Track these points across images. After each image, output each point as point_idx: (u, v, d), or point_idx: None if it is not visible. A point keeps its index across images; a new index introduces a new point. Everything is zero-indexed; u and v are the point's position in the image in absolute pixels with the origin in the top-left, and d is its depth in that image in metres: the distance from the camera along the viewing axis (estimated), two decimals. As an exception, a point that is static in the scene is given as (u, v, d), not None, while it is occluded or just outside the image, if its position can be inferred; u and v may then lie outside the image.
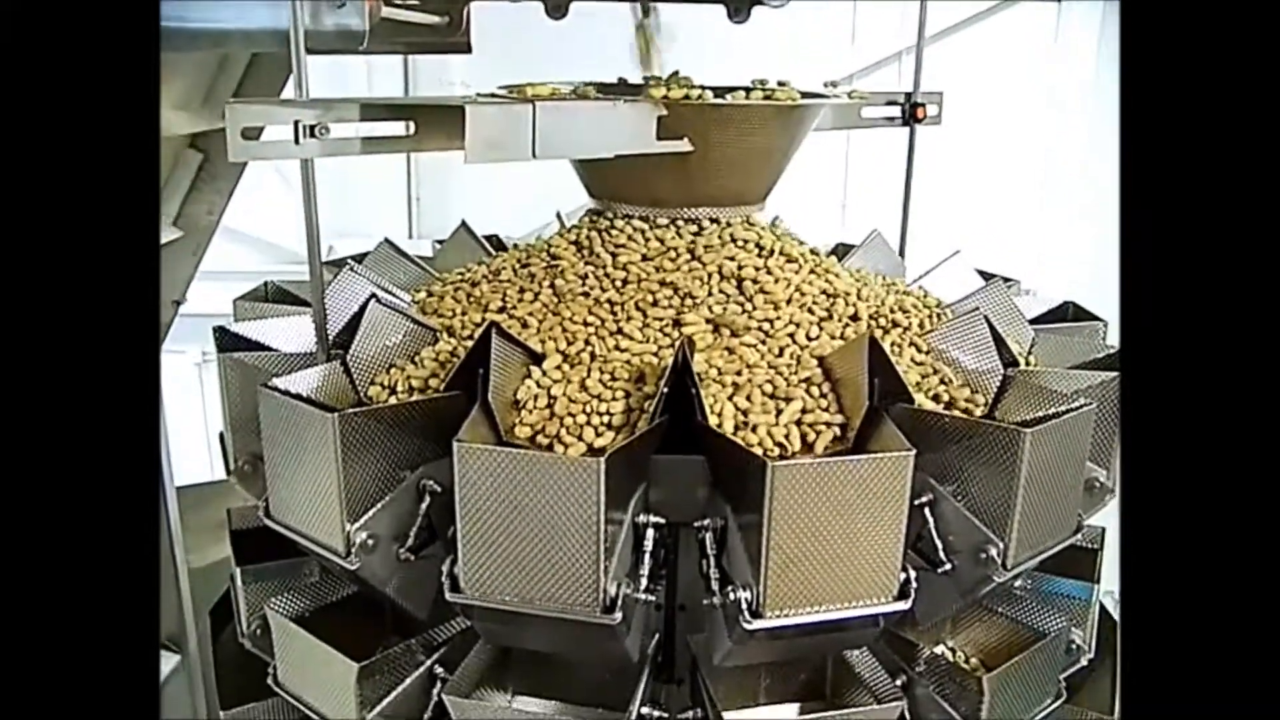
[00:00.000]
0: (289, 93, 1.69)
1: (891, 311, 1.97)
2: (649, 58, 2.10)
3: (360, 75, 5.25)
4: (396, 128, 1.64)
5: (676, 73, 2.04)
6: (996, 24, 5.43)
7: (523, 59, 2.74)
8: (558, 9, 2.23)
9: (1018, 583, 2.03)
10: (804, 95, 2.04)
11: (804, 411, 1.67)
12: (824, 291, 1.96)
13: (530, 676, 1.85)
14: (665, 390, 1.60)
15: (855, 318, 1.93)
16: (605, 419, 1.65)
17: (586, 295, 1.91)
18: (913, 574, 1.57)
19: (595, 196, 2.12)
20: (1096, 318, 2.25)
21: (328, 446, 1.57)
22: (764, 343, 1.81)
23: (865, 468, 1.47)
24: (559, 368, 1.73)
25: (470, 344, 1.73)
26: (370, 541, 1.64)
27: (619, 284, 1.92)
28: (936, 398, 1.79)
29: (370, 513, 1.64)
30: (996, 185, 5.45)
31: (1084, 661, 2.03)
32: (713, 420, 1.62)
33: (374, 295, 1.90)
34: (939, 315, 2.04)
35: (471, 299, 2.01)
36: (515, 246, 2.31)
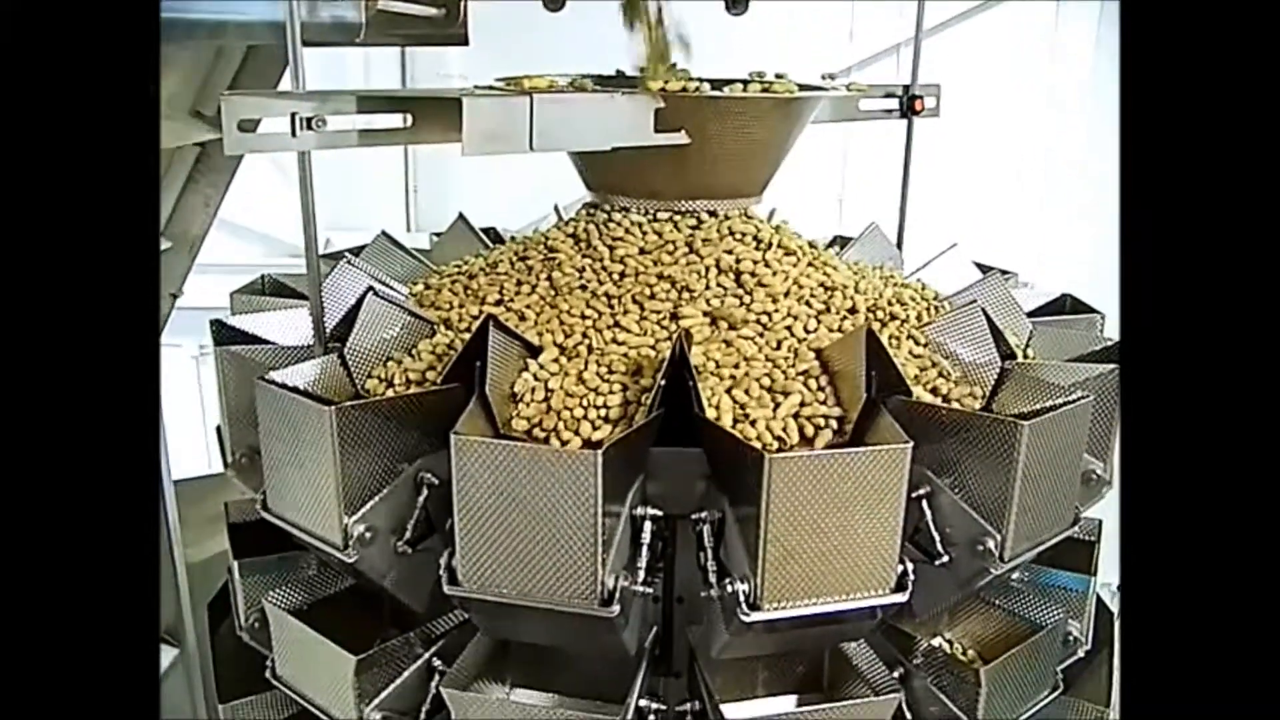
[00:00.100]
0: (285, 85, 1.68)
1: (889, 304, 1.97)
2: (656, 69, 2.09)
3: (357, 68, 5.25)
4: (394, 120, 1.64)
5: (674, 65, 2.04)
6: (995, 17, 5.42)
7: (520, 51, 2.74)
8: (555, 1, 2.23)
9: (1015, 575, 2.03)
10: (802, 88, 2.03)
11: (802, 405, 1.67)
12: (822, 284, 1.96)
13: (528, 669, 1.85)
14: (662, 383, 1.60)
15: (853, 310, 1.93)
16: (602, 412, 1.65)
17: (584, 288, 1.91)
18: (910, 566, 1.57)
19: (593, 189, 2.12)
20: (1094, 310, 2.25)
21: (325, 440, 1.57)
22: (761, 335, 1.81)
23: (863, 460, 1.47)
24: (556, 360, 1.73)
25: (467, 337, 1.73)
26: (368, 534, 1.64)
27: (616, 277, 1.92)
28: (935, 391, 1.79)
29: (368, 506, 1.64)
30: (993, 182, 5.45)
31: (1081, 653, 2.04)
32: (710, 413, 1.62)
33: (371, 288, 1.90)
34: (937, 308, 2.04)
35: (469, 292, 2.01)
36: (513, 239, 2.31)
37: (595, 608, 1.50)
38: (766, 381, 1.70)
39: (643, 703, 1.70)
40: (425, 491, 1.67)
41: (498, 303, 1.93)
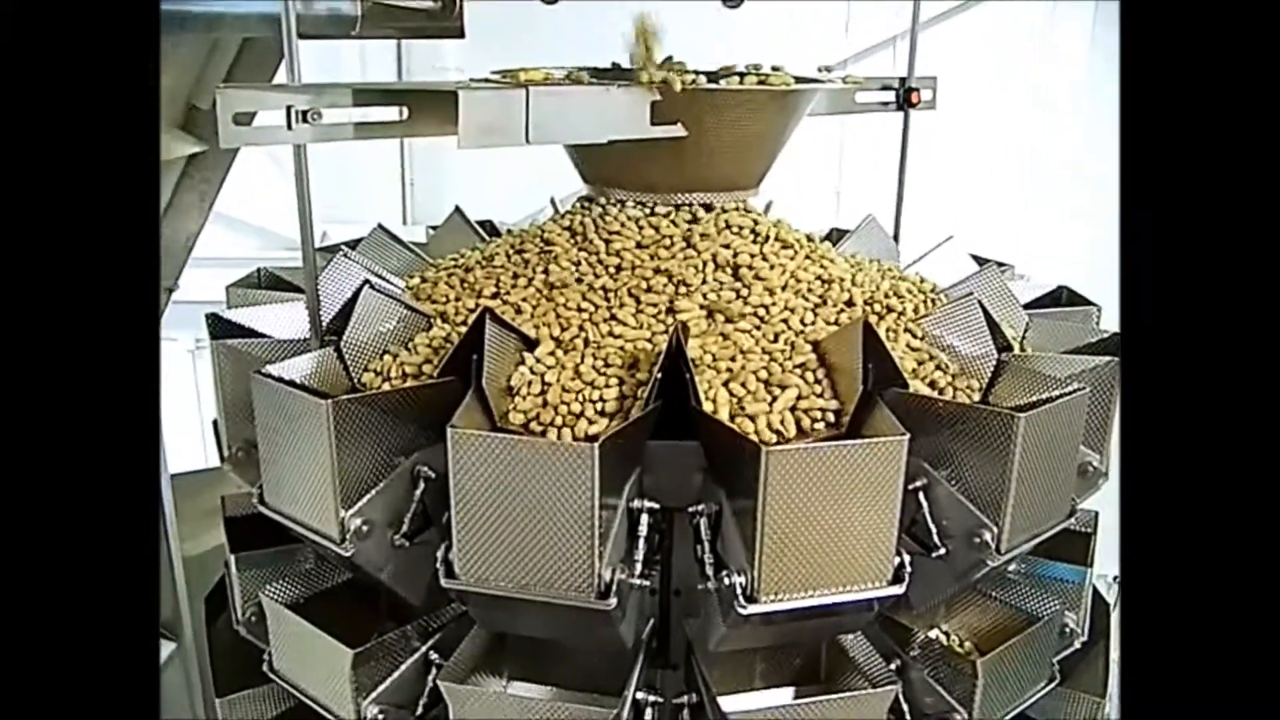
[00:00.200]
0: (281, 78, 1.68)
1: (886, 297, 1.97)
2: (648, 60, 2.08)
3: (353, 61, 5.24)
4: (390, 113, 1.64)
5: (670, 58, 2.04)
6: (988, 11, 5.42)
7: (516, 44, 2.73)
8: (551, -6, 2.22)
9: (1011, 567, 2.03)
10: (798, 80, 2.03)
11: (799, 397, 1.67)
12: (819, 277, 1.96)
13: (525, 662, 1.85)
14: (659, 375, 1.60)
15: (850, 303, 1.93)
16: (599, 405, 1.65)
17: (580, 281, 1.91)
18: (907, 558, 1.57)
19: (589, 182, 2.12)
20: (1090, 302, 2.25)
21: (322, 433, 1.57)
22: (759, 328, 1.81)
23: (859, 453, 1.47)
24: (552, 354, 1.73)
25: (464, 330, 1.72)
26: (365, 528, 1.64)
27: (613, 270, 1.92)
28: (933, 384, 1.79)
29: (364, 499, 1.64)
30: (990, 179, 5.45)
31: (1077, 645, 2.04)
32: (707, 406, 1.62)
33: (368, 281, 1.90)
34: (934, 300, 2.04)
35: (465, 285, 2.01)
36: (509, 232, 2.31)
37: (592, 600, 1.50)
38: (763, 374, 1.70)
39: (640, 695, 1.71)
40: (422, 485, 1.67)
41: (494, 296, 1.93)
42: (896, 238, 2.51)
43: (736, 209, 2.04)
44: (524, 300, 1.88)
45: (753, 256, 1.94)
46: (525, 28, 3.17)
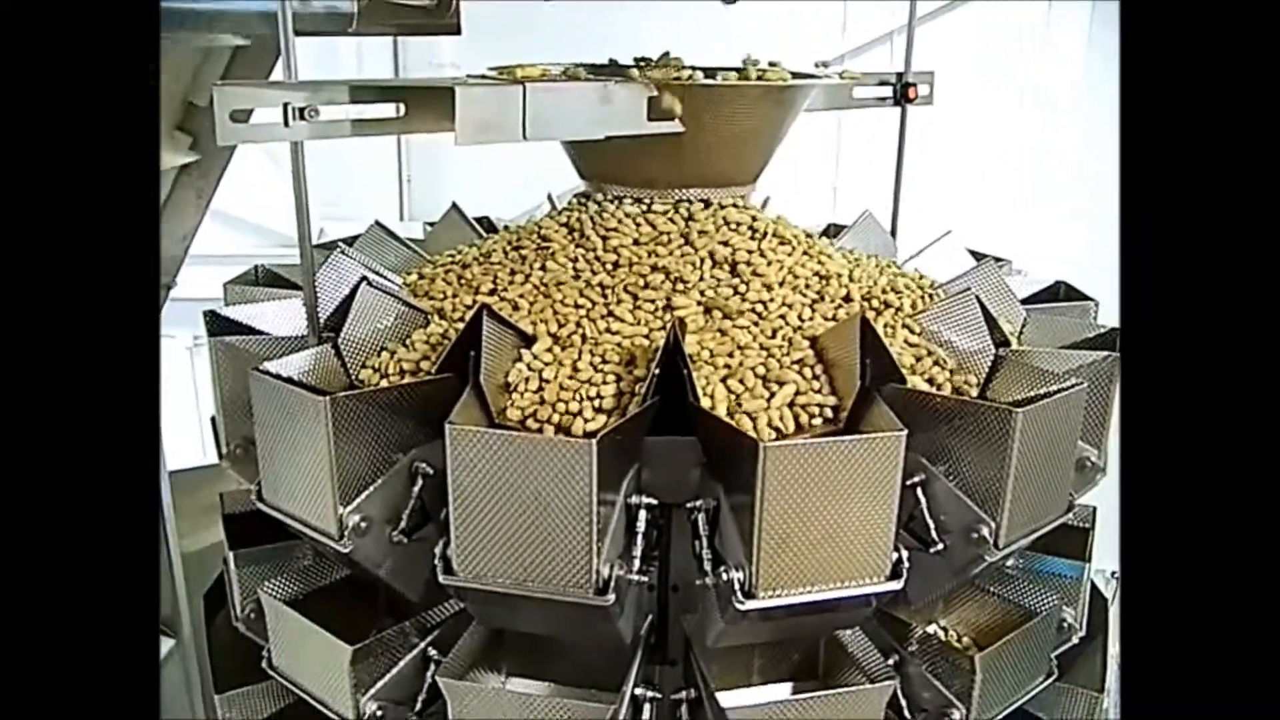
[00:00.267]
0: (278, 75, 1.68)
1: (884, 292, 1.97)
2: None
3: (349, 57, 5.23)
4: (386, 110, 1.64)
5: (667, 53, 2.03)
6: (988, 10, 5.41)
7: (513, 40, 2.73)
8: (548, -10, 2.22)
9: (1009, 562, 2.04)
10: (795, 76, 2.03)
11: (797, 393, 1.67)
12: (816, 273, 1.96)
13: (524, 658, 1.85)
14: (657, 371, 1.60)
15: (848, 299, 1.93)
16: (596, 402, 1.65)
17: (577, 278, 1.91)
18: (905, 554, 1.57)
19: (586, 178, 2.12)
20: (1087, 297, 2.26)
21: (320, 430, 1.57)
22: (756, 325, 1.81)
23: (857, 448, 1.47)
24: (550, 350, 1.73)
25: (461, 326, 1.73)
26: (363, 524, 1.64)
27: (610, 267, 1.92)
28: (931, 380, 1.79)
29: (363, 496, 1.64)
30: (986, 178, 5.45)
31: (1075, 640, 2.04)
32: (705, 402, 1.62)
33: (365, 278, 1.90)
34: (931, 295, 2.04)
35: (463, 281, 2.01)
36: (506, 228, 2.31)
37: (590, 596, 1.50)
38: (761, 370, 1.70)
39: (638, 691, 1.71)
40: (420, 481, 1.67)
41: (492, 292, 1.93)
42: (894, 233, 2.51)
43: (734, 205, 2.04)
44: (521, 297, 1.88)
45: (750, 253, 1.94)
46: (522, 24, 3.17)
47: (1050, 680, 1.96)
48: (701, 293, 1.86)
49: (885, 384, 1.65)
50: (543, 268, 1.95)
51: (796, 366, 1.72)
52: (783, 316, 1.83)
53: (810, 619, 1.63)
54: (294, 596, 1.99)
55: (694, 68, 1.97)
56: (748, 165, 2.07)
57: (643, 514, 1.61)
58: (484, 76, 1.90)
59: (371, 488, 1.65)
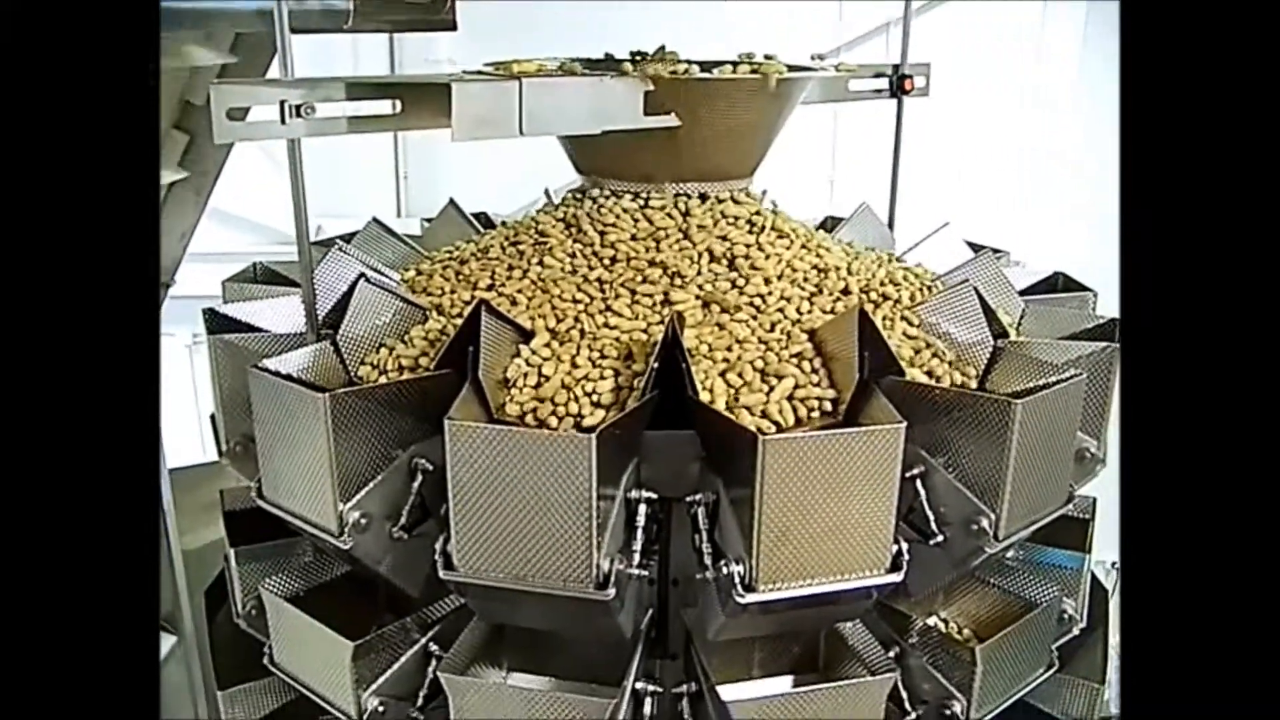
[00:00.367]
0: (274, 73, 1.68)
1: (882, 285, 1.97)
2: None
3: (345, 54, 5.23)
4: (383, 106, 1.64)
5: (663, 47, 2.03)
6: (986, 10, 5.40)
7: (509, 36, 2.73)
8: (543, -15, 2.22)
9: (1009, 553, 2.04)
10: (791, 69, 2.03)
11: (796, 387, 1.67)
12: (815, 266, 1.96)
13: (525, 653, 1.85)
14: (656, 365, 1.60)
15: (846, 292, 1.93)
16: (595, 397, 1.65)
17: (575, 273, 1.91)
18: (905, 546, 1.57)
19: (583, 172, 2.12)
20: (1085, 288, 2.26)
21: (319, 427, 1.57)
22: (755, 318, 1.81)
23: (856, 441, 1.47)
24: (548, 345, 1.73)
25: (460, 322, 1.73)
26: (363, 521, 1.64)
27: (608, 262, 1.92)
28: (930, 373, 1.79)
29: (362, 492, 1.64)
30: (981, 176, 5.45)
31: (1075, 631, 2.05)
32: (704, 396, 1.62)
33: (363, 275, 1.90)
34: (929, 287, 2.04)
35: (460, 277, 2.01)
36: (504, 224, 2.31)
37: (591, 591, 1.50)
38: (760, 364, 1.71)
39: (639, 685, 1.71)
40: (420, 477, 1.67)
41: (489, 288, 1.93)
42: (891, 225, 2.51)
43: (732, 198, 2.04)
44: (519, 292, 1.88)
45: (748, 247, 1.94)
46: (518, 19, 3.16)
47: (1051, 671, 1.96)
48: (700, 287, 1.86)
49: (884, 376, 1.65)
50: (540, 263, 1.95)
51: (795, 360, 1.72)
52: (781, 310, 1.83)
53: (811, 612, 1.63)
54: (295, 593, 1.99)
55: (690, 61, 1.97)
56: (745, 158, 2.07)
57: (642, 508, 1.61)
58: (480, 72, 1.90)
59: (371, 484, 1.65)
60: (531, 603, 1.57)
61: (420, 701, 1.82)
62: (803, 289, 1.90)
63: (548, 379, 1.67)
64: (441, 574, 1.56)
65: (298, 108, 1.54)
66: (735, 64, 2.02)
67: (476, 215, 2.50)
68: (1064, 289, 2.29)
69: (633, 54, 2.07)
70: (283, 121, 1.54)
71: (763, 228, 1.99)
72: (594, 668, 1.78)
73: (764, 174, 2.14)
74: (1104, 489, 1.90)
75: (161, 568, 2.66)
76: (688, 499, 1.63)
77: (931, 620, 2.04)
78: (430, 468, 1.66)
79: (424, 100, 1.63)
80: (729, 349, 1.73)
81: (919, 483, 1.66)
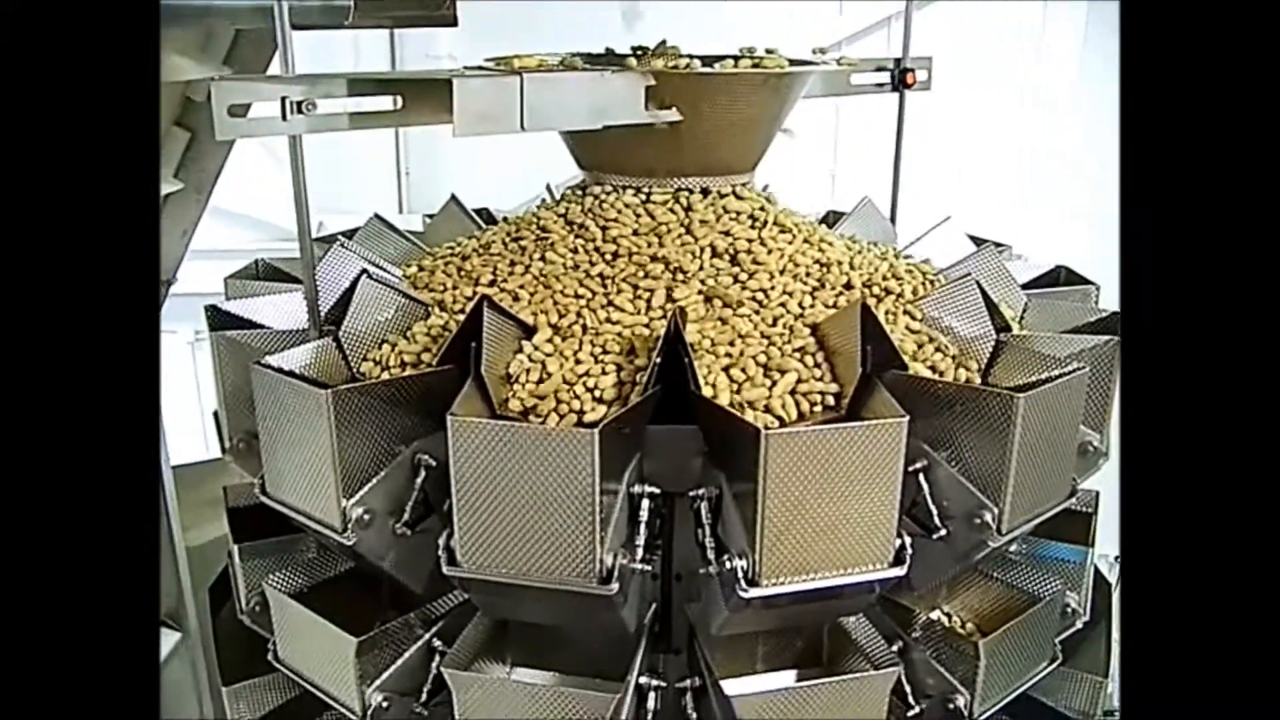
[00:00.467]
0: (275, 69, 1.68)
1: (884, 279, 1.97)
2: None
3: (346, 51, 5.23)
4: (384, 102, 1.64)
5: (664, 42, 2.03)
6: (986, 10, 5.40)
7: (510, 31, 2.72)
8: (544, -20, 2.22)
9: (1013, 547, 2.04)
10: (792, 63, 2.03)
11: (799, 381, 1.67)
12: (817, 261, 1.96)
13: (528, 648, 1.85)
14: (658, 360, 1.60)
15: (849, 286, 1.92)
16: (597, 392, 1.65)
17: (577, 268, 1.91)
18: (908, 540, 1.57)
19: (584, 167, 2.12)
20: (1088, 281, 2.25)
21: (322, 423, 1.57)
22: (757, 313, 1.81)
23: (859, 435, 1.47)
24: (550, 341, 1.73)
25: (462, 318, 1.73)
26: (366, 517, 1.64)
27: (609, 257, 1.92)
28: (933, 367, 1.79)
29: (366, 488, 1.64)
30: (982, 175, 5.45)
31: (1079, 624, 2.05)
32: (706, 391, 1.62)
33: (365, 271, 1.90)
34: (932, 282, 2.04)
35: (462, 273, 2.01)
36: (505, 219, 2.31)
37: (594, 586, 1.50)
38: (762, 359, 1.70)
39: (643, 680, 1.71)
40: (423, 473, 1.67)
41: (492, 284, 1.93)
42: (893, 219, 2.51)
43: (734, 193, 2.04)
44: (521, 288, 1.88)
45: (750, 241, 1.94)
46: (518, 15, 3.16)
47: (1054, 665, 1.96)
48: (702, 282, 1.86)
49: (886, 371, 1.65)
50: (542, 259, 1.95)
51: (798, 354, 1.72)
52: (783, 305, 1.83)
53: (814, 606, 1.63)
54: (298, 589, 2.00)
55: (691, 56, 1.97)
56: (746, 153, 2.07)
57: (645, 503, 1.62)
58: (481, 68, 1.90)
59: (374, 480, 1.65)
60: (535, 598, 1.57)
61: (424, 697, 1.82)
62: (805, 284, 1.90)
63: (550, 374, 1.67)
64: (445, 569, 1.57)
65: (299, 104, 1.54)
66: (737, 58, 2.02)
67: (478, 211, 2.50)
68: (1066, 282, 2.29)
69: (634, 49, 2.07)
70: (284, 118, 1.54)
71: (765, 223, 1.99)
72: (598, 663, 1.78)
73: (765, 168, 2.13)
74: (1107, 483, 1.90)
75: (165, 564, 2.67)
76: (690, 494, 1.63)
77: (935, 614, 2.04)
78: (433, 463, 1.66)
79: (425, 96, 1.63)
80: (731, 344, 1.73)
81: (922, 477, 1.66)
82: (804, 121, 2.10)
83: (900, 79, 2.45)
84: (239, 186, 4.08)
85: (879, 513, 1.52)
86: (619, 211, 1.99)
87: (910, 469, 1.62)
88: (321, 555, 2.06)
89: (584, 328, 1.77)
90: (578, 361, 1.69)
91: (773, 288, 1.86)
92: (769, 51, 2.05)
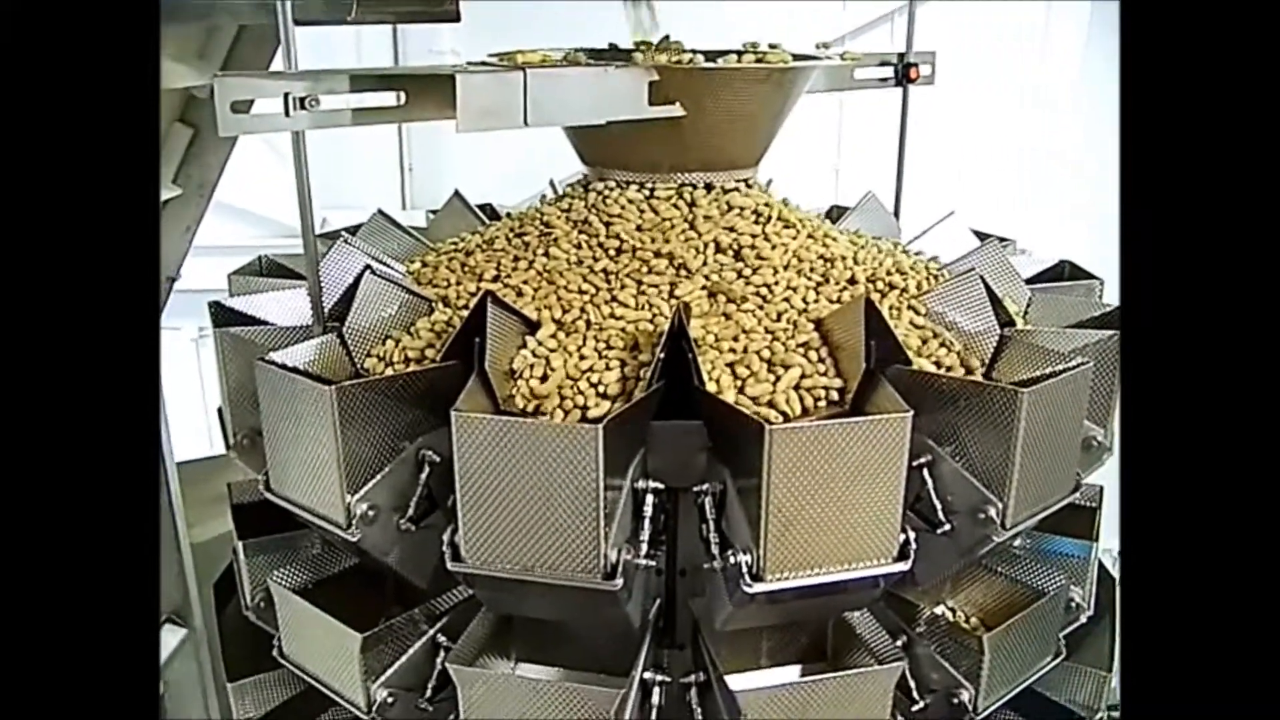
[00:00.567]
0: (278, 65, 1.68)
1: (889, 274, 1.96)
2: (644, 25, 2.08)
3: (348, 46, 5.23)
4: (387, 98, 1.64)
5: (668, 37, 2.03)
6: (987, 10, 5.39)
7: (512, 26, 2.72)
8: (547, -25, 2.22)
9: (1017, 542, 2.04)
10: (796, 57, 2.03)
11: (803, 377, 1.67)
12: (821, 256, 1.96)
13: (533, 644, 1.86)
14: (662, 355, 1.60)
15: (853, 281, 1.92)
16: (601, 388, 1.65)
17: (580, 264, 1.91)
18: (912, 535, 1.58)
19: (588, 163, 2.12)
20: (1092, 276, 2.25)
21: (326, 419, 1.57)
22: (761, 308, 1.81)
23: (863, 430, 1.47)
24: (554, 336, 1.73)
25: (466, 314, 1.73)
26: (370, 513, 1.64)
27: (613, 253, 1.92)
28: (938, 363, 1.79)
29: (370, 484, 1.64)
30: (983, 174, 5.45)
31: (1083, 619, 2.04)
32: (710, 387, 1.62)
33: (368, 267, 1.90)
34: (936, 276, 2.04)
35: (466, 268, 2.01)
36: (509, 215, 2.31)
37: (598, 581, 1.51)
38: (766, 354, 1.70)
39: (647, 675, 1.71)
40: (427, 469, 1.67)
41: (495, 279, 1.93)
42: (897, 214, 2.51)
43: (737, 188, 2.03)
44: (525, 283, 1.88)
45: (754, 237, 1.94)
46: (521, 11, 3.15)
47: (1058, 660, 1.96)
48: (706, 277, 1.86)
49: (890, 365, 1.65)
50: (546, 254, 1.95)
51: (802, 349, 1.72)
52: (787, 300, 1.83)
53: (818, 601, 1.64)
54: (303, 585, 1.99)
55: (695, 51, 1.96)
56: (750, 148, 2.06)
57: (649, 498, 1.62)
58: (484, 63, 1.90)
59: (378, 476, 1.65)
60: (539, 593, 1.57)
61: (429, 693, 1.82)
62: (809, 279, 1.90)
63: (554, 370, 1.67)
64: (449, 565, 1.57)
65: (302, 100, 1.54)
66: (740, 53, 2.02)
67: (481, 207, 2.50)
68: (1070, 277, 2.28)
69: (637, 44, 2.07)
70: (287, 114, 1.54)
71: (769, 218, 1.99)
72: (602, 658, 1.78)
73: (769, 163, 2.13)
74: (1111, 477, 1.89)
75: (170, 561, 2.67)
76: (695, 489, 1.63)
77: (939, 609, 2.04)
78: (437, 459, 1.66)
79: (428, 92, 1.63)
80: (735, 339, 1.73)
81: (926, 471, 1.66)
82: (807, 117, 2.09)
83: (904, 74, 2.45)
84: (242, 182, 4.08)
85: (883, 508, 1.52)
86: (623, 207, 1.99)
87: (914, 464, 1.62)
88: (326, 551, 2.06)
89: (588, 323, 1.77)
90: (581, 357, 1.69)
91: (777, 283, 1.86)
92: (772, 47, 2.04)
